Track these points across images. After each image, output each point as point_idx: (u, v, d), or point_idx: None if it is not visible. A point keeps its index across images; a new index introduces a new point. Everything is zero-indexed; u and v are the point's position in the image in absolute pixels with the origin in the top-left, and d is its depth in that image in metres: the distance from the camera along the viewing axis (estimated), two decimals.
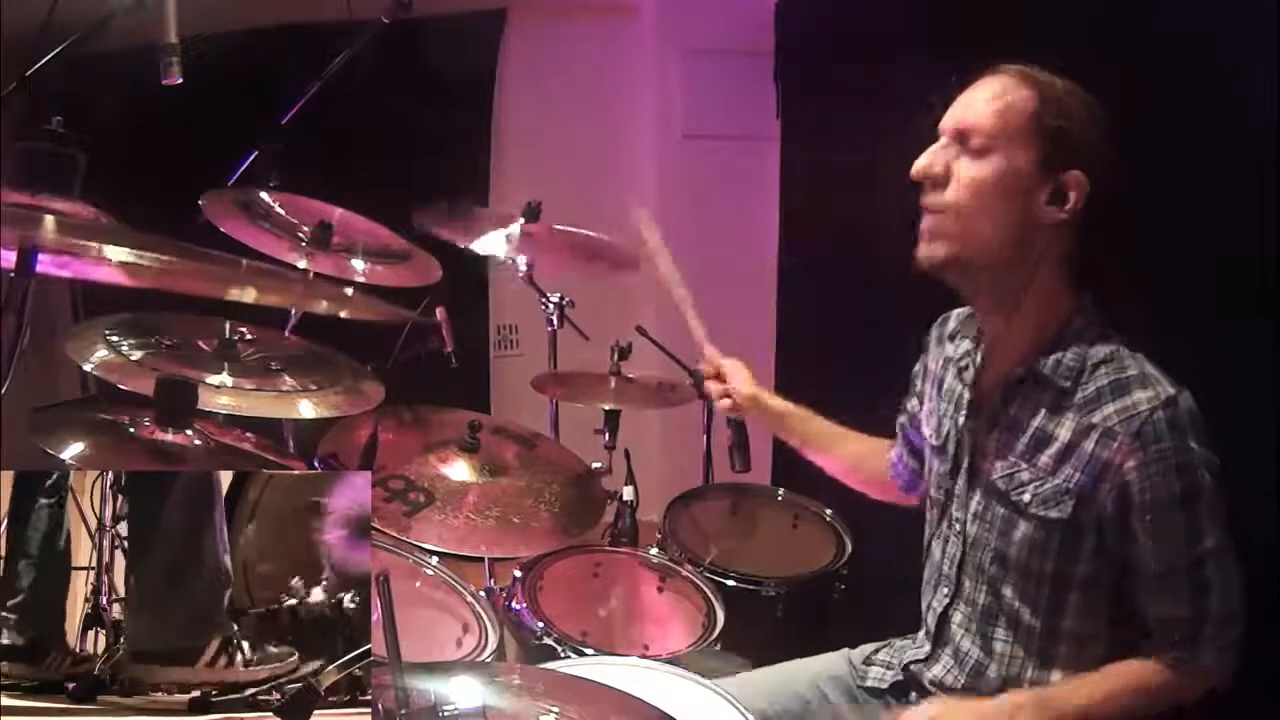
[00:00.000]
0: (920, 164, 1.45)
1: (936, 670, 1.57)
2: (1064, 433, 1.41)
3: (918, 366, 1.76)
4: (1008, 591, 1.48)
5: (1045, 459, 1.42)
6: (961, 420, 1.55)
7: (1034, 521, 1.43)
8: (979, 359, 1.56)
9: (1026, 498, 1.44)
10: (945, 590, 1.57)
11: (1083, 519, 1.40)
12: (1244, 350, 1.80)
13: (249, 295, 1.40)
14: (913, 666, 1.61)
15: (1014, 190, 1.39)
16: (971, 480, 1.53)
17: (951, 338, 1.65)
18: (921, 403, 1.72)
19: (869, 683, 1.65)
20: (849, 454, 1.92)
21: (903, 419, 1.81)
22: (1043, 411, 1.44)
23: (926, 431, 1.66)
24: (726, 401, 1.96)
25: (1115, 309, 1.47)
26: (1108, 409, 1.38)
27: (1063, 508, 1.40)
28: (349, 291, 1.51)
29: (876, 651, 1.69)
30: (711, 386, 1.98)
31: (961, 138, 1.42)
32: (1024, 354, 1.47)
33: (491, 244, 2.46)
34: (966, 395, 1.56)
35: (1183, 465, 1.35)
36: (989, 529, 1.49)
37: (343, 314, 1.45)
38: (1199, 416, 1.37)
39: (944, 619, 1.58)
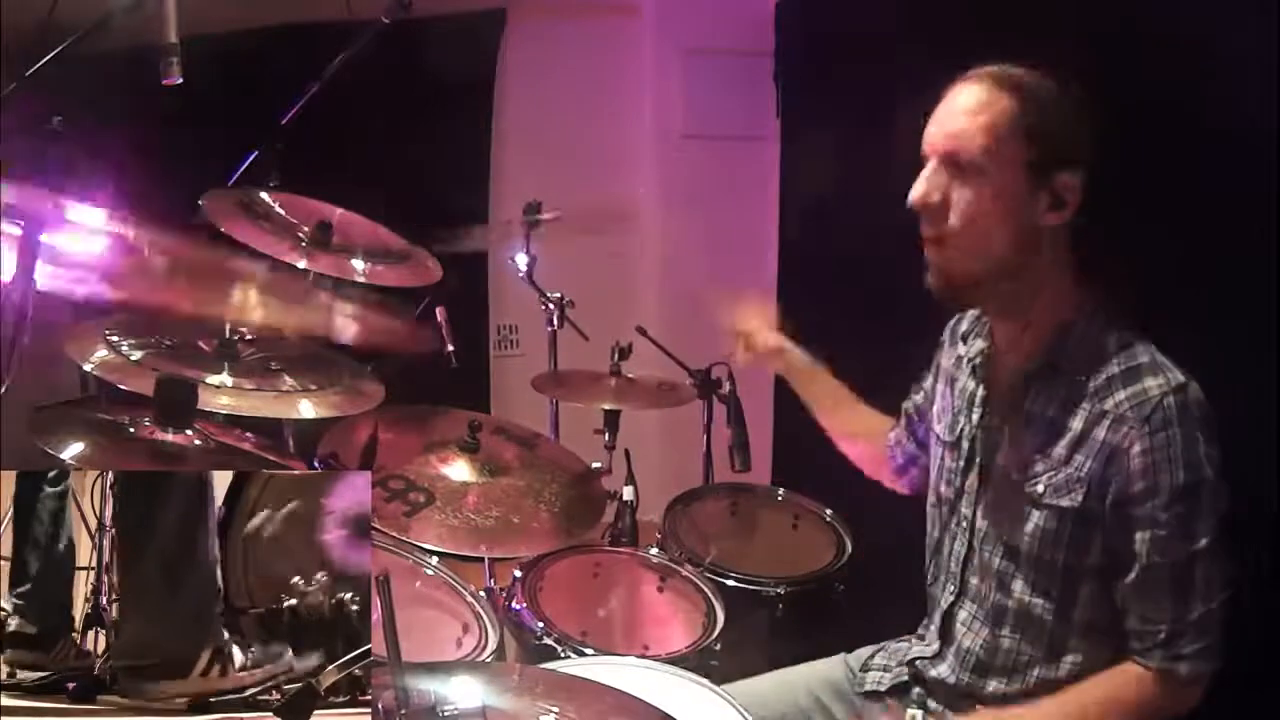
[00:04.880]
0: (916, 194, 1.42)
1: (941, 669, 1.57)
2: (1077, 422, 1.41)
3: (932, 363, 1.77)
4: (1018, 585, 1.47)
5: (1059, 449, 1.42)
6: (976, 416, 1.56)
7: (1046, 511, 1.43)
8: (992, 356, 1.56)
9: (1040, 488, 1.43)
10: (951, 588, 1.57)
11: (1093, 507, 1.39)
12: (1243, 350, 1.80)
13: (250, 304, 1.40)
14: (918, 663, 1.61)
15: (1013, 206, 1.38)
16: (985, 475, 1.53)
17: (965, 337, 1.65)
18: (932, 399, 1.73)
19: (867, 687, 1.65)
20: (855, 422, 1.92)
21: (909, 404, 1.82)
22: (1057, 403, 1.44)
23: (939, 428, 1.67)
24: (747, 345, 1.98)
25: (1121, 300, 1.47)
26: (1119, 395, 1.38)
27: (1074, 496, 1.40)
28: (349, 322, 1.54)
29: (873, 656, 1.69)
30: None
31: (951, 160, 1.39)
32: (1036, 349, 1.47)
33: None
34: (980, 392, 1.56)
35: (1188, 456, 1.34)
36: (1000, 523, 1.49)
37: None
38: (1208, 409, 1.37)
39: (949, 617, 1.58)
